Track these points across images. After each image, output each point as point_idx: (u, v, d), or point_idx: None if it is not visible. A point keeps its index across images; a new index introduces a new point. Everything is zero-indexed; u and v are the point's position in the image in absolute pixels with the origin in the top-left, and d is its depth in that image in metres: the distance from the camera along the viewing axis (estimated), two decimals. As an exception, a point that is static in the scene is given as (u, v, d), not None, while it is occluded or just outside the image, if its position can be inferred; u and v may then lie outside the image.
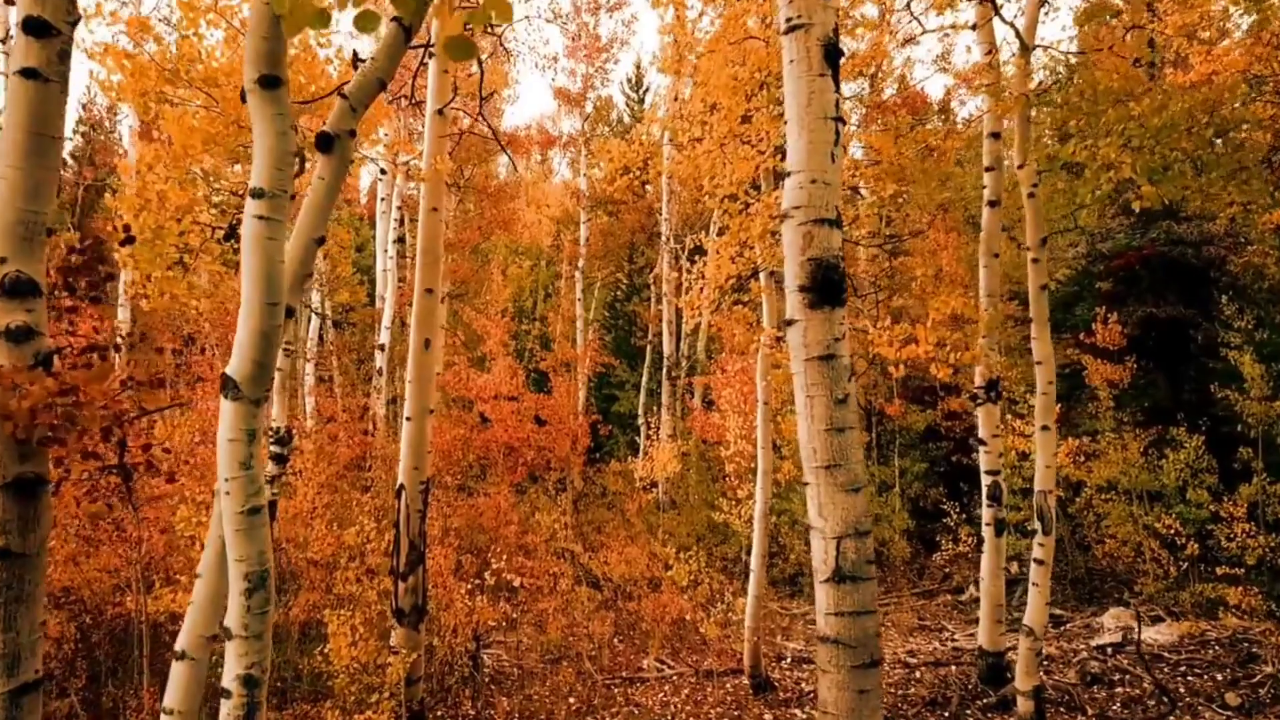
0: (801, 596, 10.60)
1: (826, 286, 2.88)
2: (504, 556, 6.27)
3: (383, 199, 15.11)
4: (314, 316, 17.21)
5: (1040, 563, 5.46)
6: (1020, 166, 5.51)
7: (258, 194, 1.93)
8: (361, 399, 12.98)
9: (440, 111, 5.96)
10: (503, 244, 25.44)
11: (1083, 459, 9.03)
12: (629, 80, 26.11)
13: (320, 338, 17.23)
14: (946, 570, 10.99)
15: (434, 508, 8.32)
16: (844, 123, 3.09)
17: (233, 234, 4.87)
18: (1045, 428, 5.41)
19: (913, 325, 4.43)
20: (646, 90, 25.72)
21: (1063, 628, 8.47)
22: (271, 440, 4.60)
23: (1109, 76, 4.04)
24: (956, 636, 8.48)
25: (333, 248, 20.04)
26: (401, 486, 5.65)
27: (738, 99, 5.15)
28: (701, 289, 5.19)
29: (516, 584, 6.28)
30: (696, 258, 15.40)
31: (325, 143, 2.08)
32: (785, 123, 3.16)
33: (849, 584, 2.85)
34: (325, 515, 7.52)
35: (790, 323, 2.97)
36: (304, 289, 1.97)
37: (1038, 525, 5.47)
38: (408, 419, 5.68)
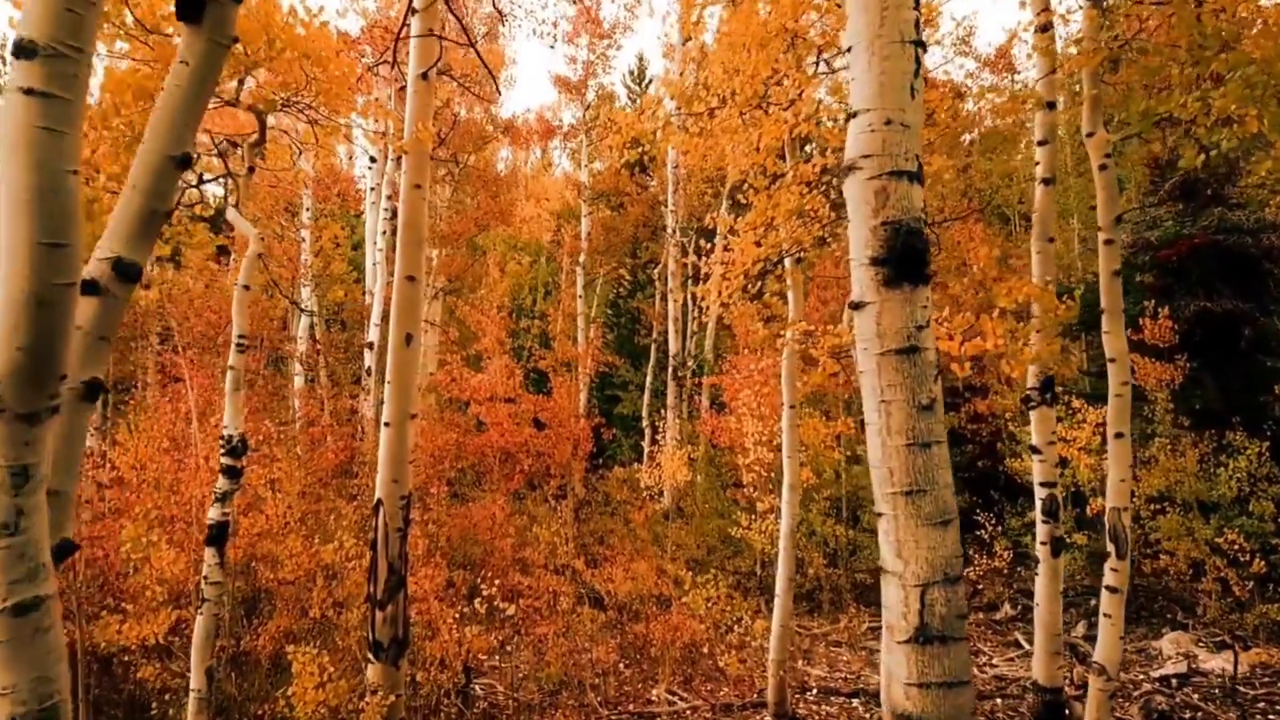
0: (821, 613, 9.96)
1: (907, 258, 2.25)
2: (496, 583, 5.64)
3: (372, 189, 14.50)
4: (303, 314, 16.63)
5: (1114, 590, 4.82)
6: (1089, 135, 4.88)
7: (25, 51, 1.18)
8: (348, 400, 12.35)
9: (424, 76, 5.33)
10: (501, 239, 24.84)
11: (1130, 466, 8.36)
12: (631, 73, 25.49)
13: (311, 337, 16.64)
14: (977, 585, 10.35)
15: (421, 521, 7.69)
16: (925, 48, 2.44)
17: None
18: (1119, 435, 4.77)
19: (975, 317, 3.80)
20: (649, 83, 25.08)
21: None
22: (223, 450, 3.97)
23: (1211, 19, 3.43)
24: (995, 662, 7.83)
25: (325, 243, 19.40)
26: (379, 502, 5.02)
27: (767, 55, 4.52)
28: (724, 275, 4.56)
29: (510, 611, 5.63)
30: (712, 240, 14.74)
31: (190, 8, 1.40)
32: (846, 51, 2.52)
33: (937, 645, 2.23)
34: (301, 530, 6.89)
35: (858, 306, 2.33)
36: (152, 236, 1.26)
37: (1110, 547, 4.83)
38: (386, 424, 5.05)
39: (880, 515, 2.31)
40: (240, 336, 4.15)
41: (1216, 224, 9.30)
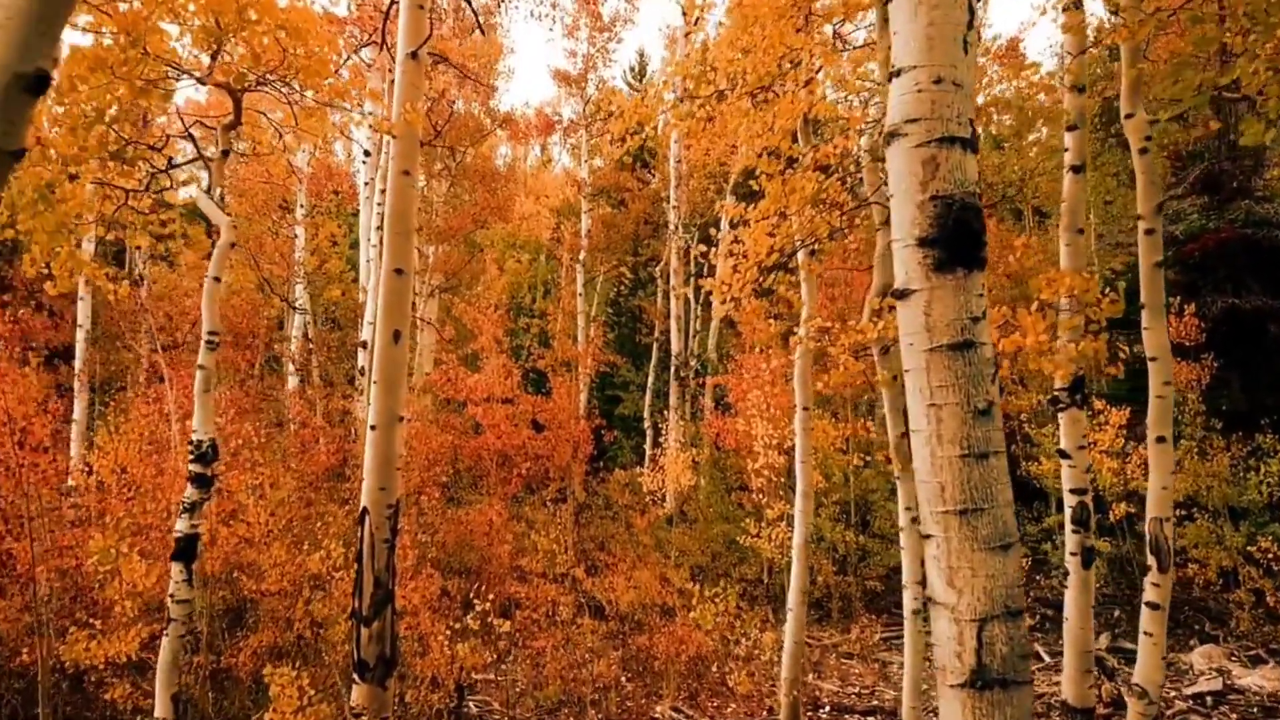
0: (830, 622, 9.65)
1: (961, 238, 1.95)
2: (490, 597, 5.33)
3: (366, 183, 14.21)
4: (296, 313, 16.34)
5: (1155, 607, 4.51)
6: (1128, 117, 4.57)
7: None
8: (341, 401, 12.05)
9: (413, 55, 5.02)
10: (499, 236, 24.52)
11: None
12: (632, 69, 25.18)
13: (305, 336, 16.34)
14: (991, 593, 10.02)
15: (412, 530, 7.37)
16: (979, -3, 2.13)
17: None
18: (1161, 439, 4.46)
19: (1013, 311, 3.49)
20: (651, 79, 24.78)
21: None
22: (191, 457, 3.67)
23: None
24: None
25: (322, 242, 19.07)
26: (365, 511, 4.71)
27: (780, 30, 4.21)
28: (735, 268, 4.25)
29: (506, 629, 5.33)
30: (714, 237, 14.47)
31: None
32: (886, 2, 2.21)
33: (997, 691, 1.93)
34: (287, 537, 6.59)
35: (902, 294, 2.03)
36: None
37: (1151, 561, 4.52)
38: (372, 428, 4.75)
39: (928, 537, 2.00)
40: (210, 333, 3.85)
41: (1244, 217, 8.99)
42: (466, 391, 10.56)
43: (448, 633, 5.13)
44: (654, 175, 21.33)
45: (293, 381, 15.34)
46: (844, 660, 8.20)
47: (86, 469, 6.67)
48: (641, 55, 27.08)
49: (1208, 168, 9.01)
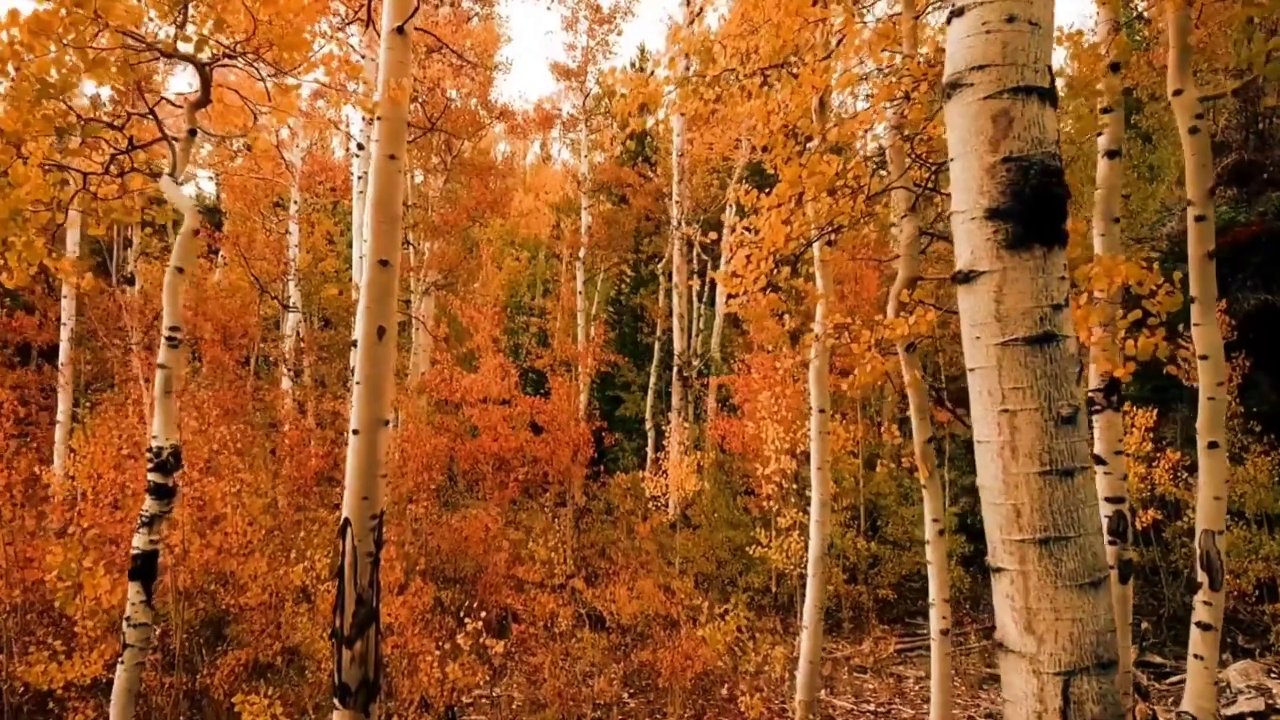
0: (840, 634, 9.32)
1: (1040, 208, 1.62)
2: (483, 615, 5.00)
3: (359, 178, 13.86)
4: (288, 312, 16.03)
5: (1206, 627, 4.18)
6: (1177, 93, 4.25)
7: None
8: (332, 402, 11.73)
9: (400, 30, 4.70)
10: (497, 234, 24.20)
11: (1184, 474, 7.75)
12: (633, 64, 24.87)
13: (299, 335, 16.01)
14: (1009, 602, 9.68)
15: (407, 535, 7.04)
16: (1057, -79, 1.81)
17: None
18: (1213, 445, 4.14)
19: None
20: (651, 76, 24.41)
21: (1166, 682, 7.18)
22: (150, 465, 3.34)
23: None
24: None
25: (318, 240, 18.69)
26: (346, 523, 4.38)
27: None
28: (749, 257, 3.92)
29: (499, 650, 5.00)
30: (722, 226, 14.07)
31: None
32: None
33: (1086, 761, 1.60)
34: (269, 546, 6.27)
35: (966, 278, 1.70)
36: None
37: (1202, 577, 4.19)
38: (355, 432, 4.42)
39: (998, 571, 1.68)
40: (172, 328, 3.52)
41: (1275, 210, 8.66)
42: (462, 392, 10.23)
43: (437, 653, 4.80)
44: (655, 170, 20.97)
45: (286, 382, 15.03)
46: (857, 674, 7.86)
47: (42, 480, 6.34)
48: (642, 51, 26.72)
49: (1236, 159, 8.70)
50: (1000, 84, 1.65)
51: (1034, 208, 1.62)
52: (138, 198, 4.46)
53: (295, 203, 16.71)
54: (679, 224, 16.01)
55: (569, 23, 18.54)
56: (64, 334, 12.62)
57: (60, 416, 12.03)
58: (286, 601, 5.89)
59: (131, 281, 17.15)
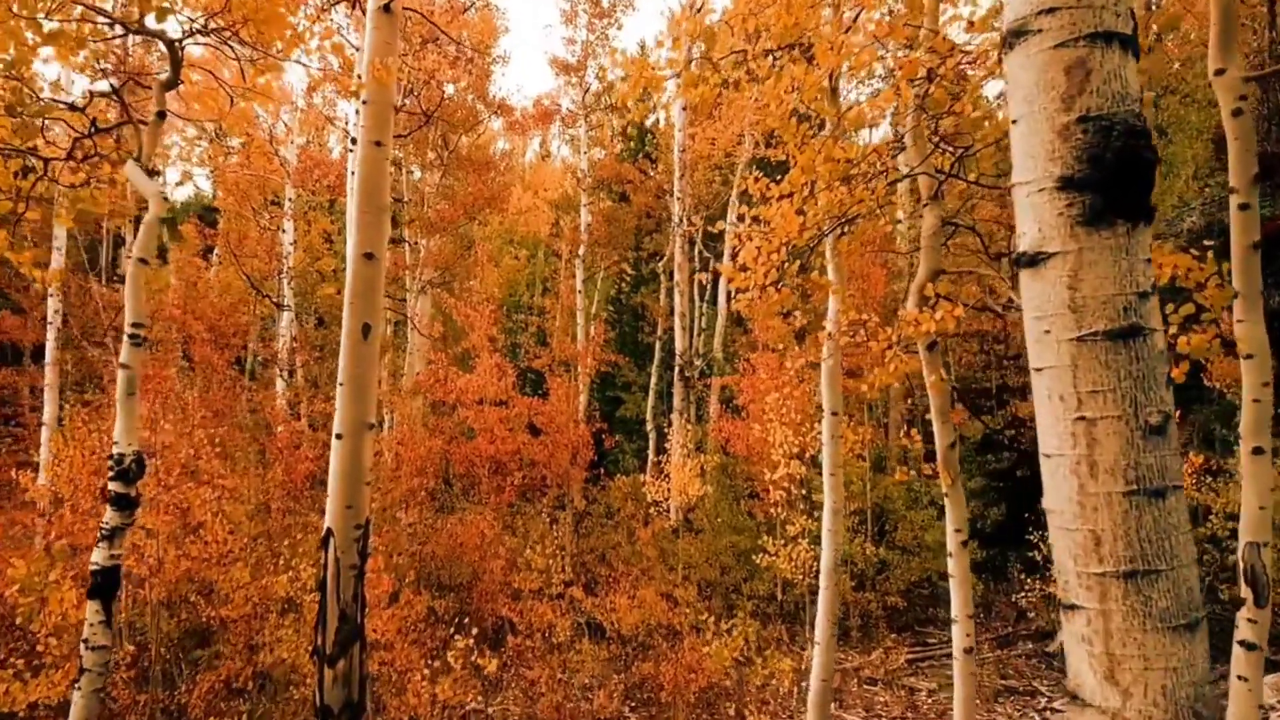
0: (849, 643, 9.05)
1: (1125, 175, 1.37)
2: (474, 631, 4.73)
3: (353, 173, 13.62)
4: (281, 310, 15.77)
5: (1251, 647, 3.90)
6: (1219, 73, 3.97)
7: None
8: (324, 404, 11.47)
9: (386, 8, 4.47)
10: (496, 232, 23.93)
11: (1208, 478, 7.49)
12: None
13: (292, 335, 15.76)
14: (1022, 608, 9.43)
15: (387, 551, 6.75)
16: None
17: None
18: (1258, 450, 3.86)
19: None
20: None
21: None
22: (111, 474, 3.09)
23: None
24: (1058, 706, 6.93)
25: (315, 239, 18.36)
26: (328, 533, 4.15)
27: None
28: (759, 249, 3.67)
29: (492, 669, 4.74)
30: (724, 223, 13.76)
31: None
32: None
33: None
34: (251, 556, 6.01)
35: (1033, 260, 1.45)
36: None
37: (1246, 593, 3.93)
38: (338, 437, 4.19)
39: (1071, 609, 1.42)
40: (135, 325, 3.26)
41: (1302, 203, 8.40)
42: (457, 393, 9.97)
43: (427, 671, 4.54)
44: (656, 167, 20.71)
45: (279, 383, 14.78)
46: (867, 686, 7.60)
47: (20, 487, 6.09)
48: (643, 47, 26.44)
49: (1260, 152, 8.43)
50: (1075, 29, 1.40)
51: (1117, 175, 1.37)
52: (109, 188, 4.20)
53: (290, 200, 16.47)
54: (681, 221, 15.75)
55: (568, 16, 18.30)
56: (50, 334, 12.36)
57: (46, 418, 11.77)
58: (271, 614, 5.63)
59: (124, 281, 16.90)
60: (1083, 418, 1.38)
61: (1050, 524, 1.47)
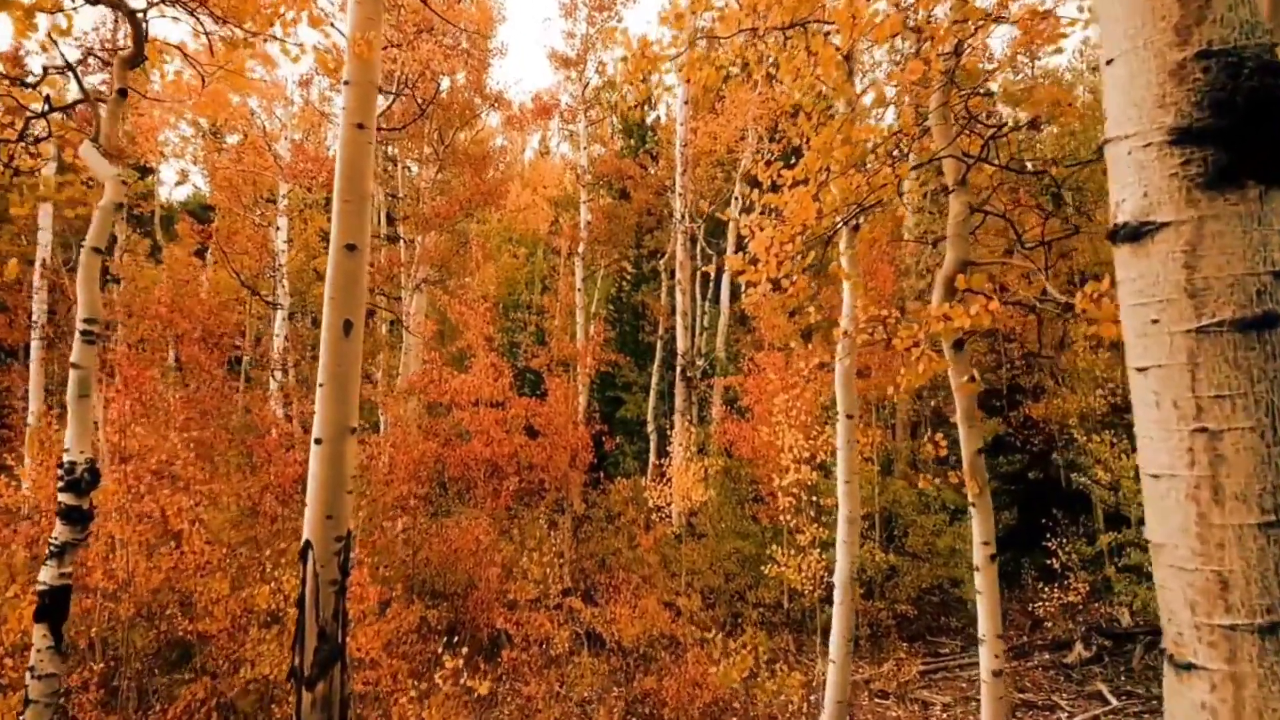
0: (857, 652, 8.77)
1: (1258, 124, 1.09)
2: (464, 650, 4.46)
3: (347, 167, 13.35)
4: (274, 309, 15.51)
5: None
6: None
7: None
8: (314, 404, 11.17)
9: (370, -19, 4.16)
10: (494, 229, 23.66)
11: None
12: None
13: (286, 335, 15.50)
14: (1038, 616, 9.15)
15: (373, 565, 6.45)
16: None
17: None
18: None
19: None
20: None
21: None
22: (61, 484, 2.81)
23: None
24: (1079, 721, 6.65)
25: (312, 237, 18.06)
26: (307, 545, 3.88)
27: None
28: (771, 240, 3.39)
29: (484, 692, 4.46)
30: (725, 221, 13.46)
31: None
32: None
33: None
34: (232, 567, 5.73)
35: (1136, 233, 1.17)
36: None
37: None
38: (318, 441, 3.91)
39: (1188, 669, 1.14)
40: (87, 320, 2.99)
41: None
42: (452, 394, 9.70)
43: (414, 693, 4.27)
44: (657, 163, 20.42)
45: (273, 384, 14.51)
46: (878, 700, 7.33)
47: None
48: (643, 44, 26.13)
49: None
50: (1191, -58, 1.12)
51: (1248, 124, 1.09)
52: (74, 176, 3.93)
53: (284, 197, 16.20)
54: (682, 218, 15.47)
55: (568, 10, 18.06)
56: (34, 333, 12.09)
57: (31, 420, 11.50)
58: (251, 627, 5.35)
59: (117, 280, 16.65)
60: (1204, 429, 1.10)
61: (1156, 560, 1.19)
